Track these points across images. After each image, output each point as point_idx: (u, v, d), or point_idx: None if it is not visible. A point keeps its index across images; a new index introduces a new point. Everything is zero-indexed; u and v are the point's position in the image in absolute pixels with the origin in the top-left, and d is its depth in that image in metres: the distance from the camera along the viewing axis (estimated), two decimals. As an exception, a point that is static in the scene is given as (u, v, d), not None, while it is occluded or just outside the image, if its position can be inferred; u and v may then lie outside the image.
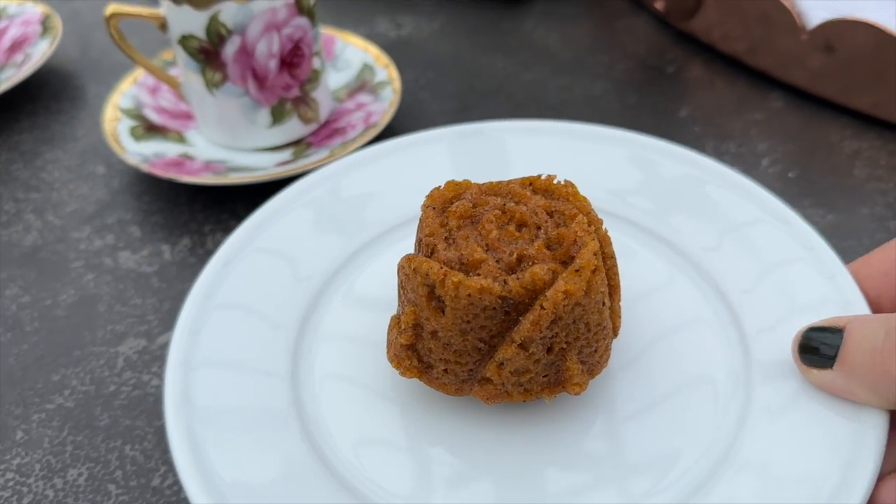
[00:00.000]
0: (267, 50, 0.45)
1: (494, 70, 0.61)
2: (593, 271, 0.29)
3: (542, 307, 0.28)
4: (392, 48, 0.62)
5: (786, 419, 0.30)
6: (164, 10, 0.45)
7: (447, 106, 0.57)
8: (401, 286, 0.31)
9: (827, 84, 0.53)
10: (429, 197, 0.33)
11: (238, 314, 0.35)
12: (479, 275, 0.29)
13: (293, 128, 0.50)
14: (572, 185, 0.32)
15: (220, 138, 0.50)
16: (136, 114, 0.52)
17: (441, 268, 0.29)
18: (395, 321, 0.32)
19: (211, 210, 0.48)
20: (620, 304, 0.33)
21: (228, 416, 0.31)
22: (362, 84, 0.54)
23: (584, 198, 0.32)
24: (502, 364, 0.29)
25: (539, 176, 0.33)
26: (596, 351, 0.31)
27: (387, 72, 0.54)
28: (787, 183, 0.48)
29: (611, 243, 0.32)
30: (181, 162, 0.48)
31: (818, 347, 0.29)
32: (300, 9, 0.46)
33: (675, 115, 0.55)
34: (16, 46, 0.61)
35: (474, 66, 0.62)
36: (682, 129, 0.54)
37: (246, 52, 0.45)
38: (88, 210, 0.49)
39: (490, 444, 0.32)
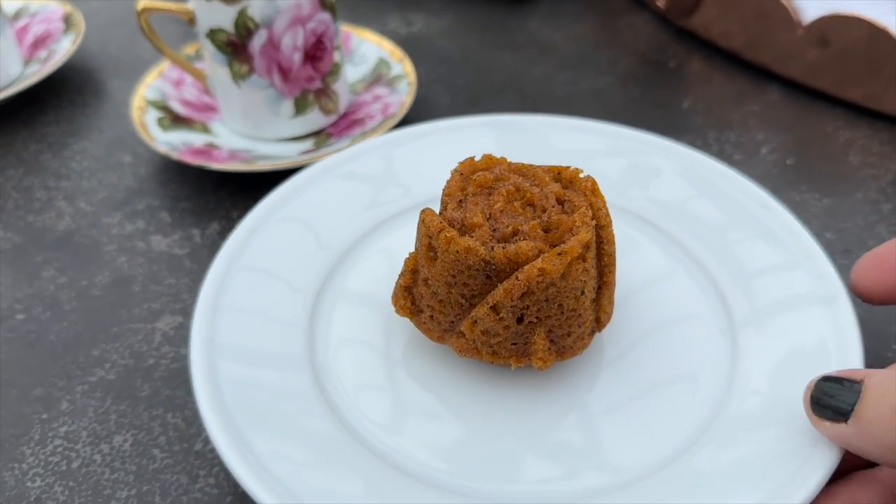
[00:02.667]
0: (292, 43, 0.48)
1: (503, 65, 0.63)
2: (576, 258, 0.31)
3: (517, 278, 0.30)
4: (403, 44, 0.64)
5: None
6: (194, 4, 0.47)
7: (459, 99, 0.59)
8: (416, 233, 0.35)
9: (821, 77, 0.56)
10: (461, 164, 0.35)
11: (261, 276, 0.38)
12: (472, 237, 0.31)
13: (314, 118, 0.52)
14: (594, 182, 0.34)
15: (245, 129, 0.52)
16: (162, 105, 0.54)
17: (440, 222, 0.32)
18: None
19: (238, 197, 0.50)
20: (613, 302, 0.35)
21: (248, 355, 0.35)
22: (378, 77, 0.57)
23: (602, 196, 0.34)
24: (475, 322, 0.32)
25: (567, 167, 0.35)
26: (568, 335, 0.33)
27: (402, 66, 0.56)
28: (786, 169, 0.51)
29: (613, 242, 0.34)
30: (208, 151, 0.50)
31: (833, 400, 0.28)
32: (323, 4, 0.48)
33: (677, 107, 0.57)
34: (39, 43, 0.63)
35: (483, 61, 0.64)
36: (684, 120, 0.56)
37: (272, 45, 0.47)
38: (118, 197, 0.51)
39: (473, 399, 0.35)
